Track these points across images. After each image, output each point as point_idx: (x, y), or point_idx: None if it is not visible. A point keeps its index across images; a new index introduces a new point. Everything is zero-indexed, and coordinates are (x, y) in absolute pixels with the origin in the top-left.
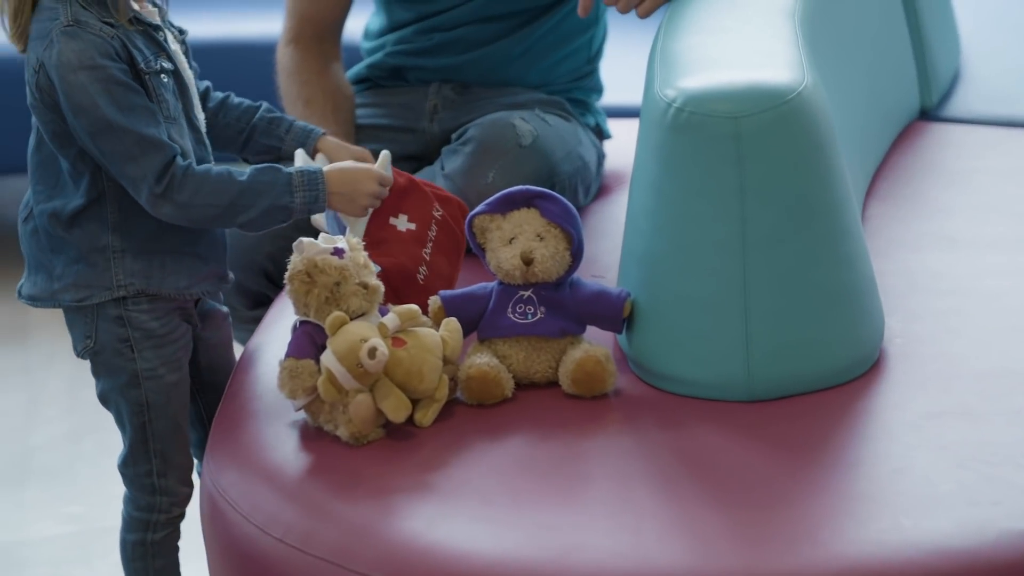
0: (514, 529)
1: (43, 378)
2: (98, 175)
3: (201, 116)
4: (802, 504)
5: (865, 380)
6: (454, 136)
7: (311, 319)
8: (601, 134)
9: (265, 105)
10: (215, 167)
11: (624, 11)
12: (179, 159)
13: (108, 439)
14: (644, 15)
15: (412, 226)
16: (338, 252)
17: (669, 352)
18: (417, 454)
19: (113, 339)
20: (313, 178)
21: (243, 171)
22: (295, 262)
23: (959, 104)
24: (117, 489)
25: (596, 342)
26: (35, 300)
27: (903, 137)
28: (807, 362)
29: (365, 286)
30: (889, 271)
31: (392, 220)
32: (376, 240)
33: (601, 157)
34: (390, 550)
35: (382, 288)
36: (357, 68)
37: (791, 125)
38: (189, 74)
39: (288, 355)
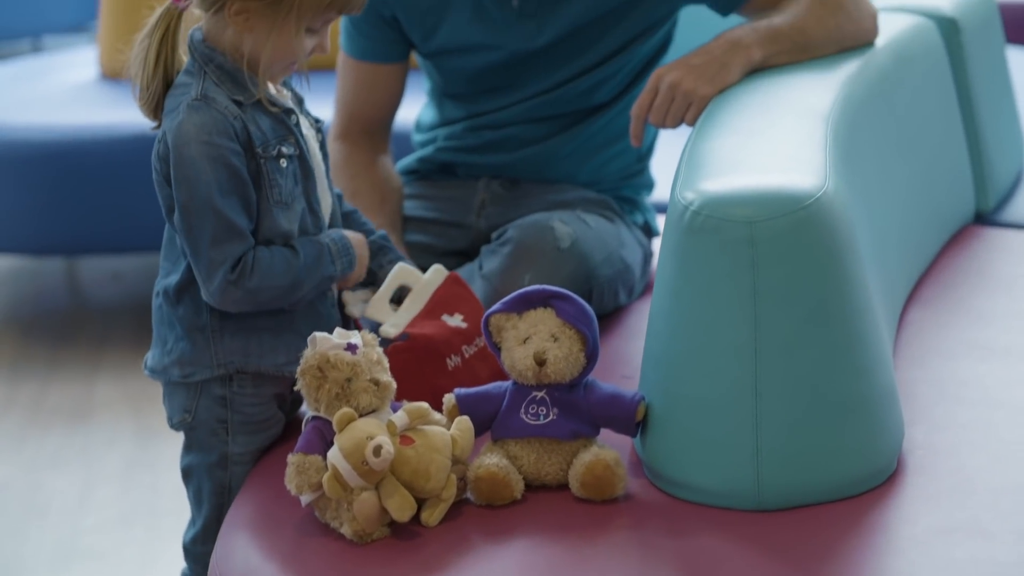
0: None
1: (101, 459)
2: None
3: (327, 201)
4: None
5: (878, 492)
6: (494, 236)
7: (322, 414)
8: (650, 231)
9: (383, 232)
10: (274, 248)
11: (674, 127)
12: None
13: (159, 523)
14: (692, 123)
15: (463, 325)
16: (351, 348)
17: (680, 457)
18: (421, 554)
19: (211, 418)
20: (344, 244)
21: (289, 248)
22: (308, 357)
23: (1018, 209)
24: (163, 573)
25: (612, 445)
26: (153, 372)
27: (954, 241)
28: (818, 472)
29: (376, 383)
30: (919, 379)
31: (445, 316)
32: (421, 327)
33: (648, 256)
34: None
35: (394, 385)
36: (407, 160)
37: (807, 231)
38: (318, 160)
39: (297, 450)
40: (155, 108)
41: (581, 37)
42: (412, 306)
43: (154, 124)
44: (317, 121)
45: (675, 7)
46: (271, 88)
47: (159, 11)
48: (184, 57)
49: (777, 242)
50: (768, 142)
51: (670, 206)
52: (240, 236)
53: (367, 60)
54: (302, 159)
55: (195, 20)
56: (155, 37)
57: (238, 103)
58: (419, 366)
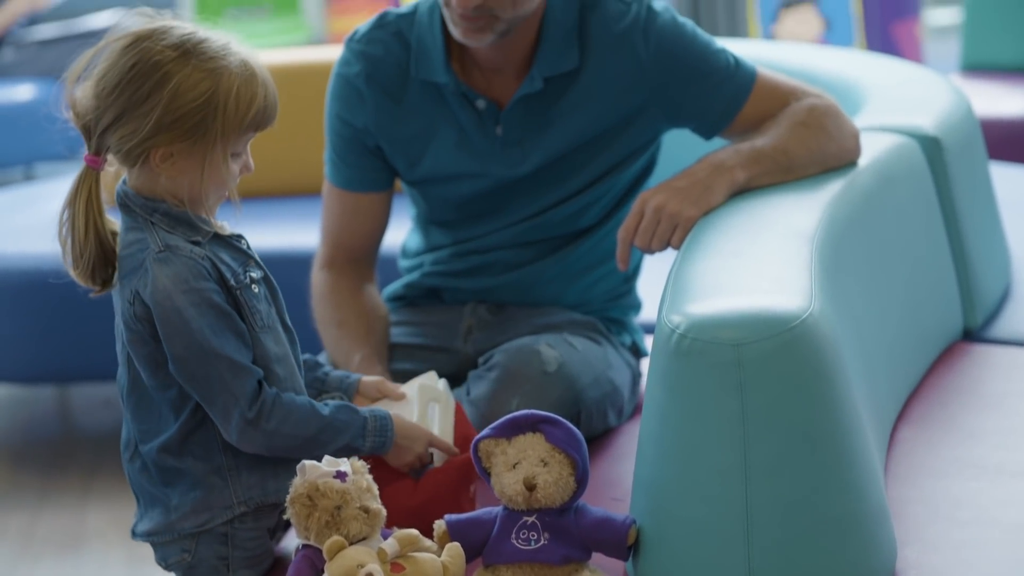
0: None
1: None
2: None
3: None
4: None
5: None
6: (480, 360)
7: (312, 543)
8: (638, 352)
9: (308, 355)
10: (299, 397)
11: (660, 250)
12: (266, 385)
13: None
14: (678, 246)
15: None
16: (340, 476)
17: None
18: None
19: (213, 556)
20: (384, 424)
21: (324, 404)
22: (297, 485)
23: (1006, 325)
24: None
25: (604, 569)
26: (152, 535)
27: (943, 359)
28: None
29: (366, 510)
30: (911, 498)
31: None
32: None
33: (636, 376)
34: None
35: (384, 513)
36: (394, 286)
37: (794, 353)
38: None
39: None
40: (92, 274)
41: (566, 164)
42: (445, 420)
43: (94, 289)
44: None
45: (659, 132)
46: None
47: (76, 177)
48: (110, 219)
49: (764, 364)
50: (753, 264)
51: (657, 329)
52: (246, 371)
53: (352, 190)
54: (267, 279)
55: (110, 178)
56: (79, 204)
57: (198, 244)
58: (458, 484)
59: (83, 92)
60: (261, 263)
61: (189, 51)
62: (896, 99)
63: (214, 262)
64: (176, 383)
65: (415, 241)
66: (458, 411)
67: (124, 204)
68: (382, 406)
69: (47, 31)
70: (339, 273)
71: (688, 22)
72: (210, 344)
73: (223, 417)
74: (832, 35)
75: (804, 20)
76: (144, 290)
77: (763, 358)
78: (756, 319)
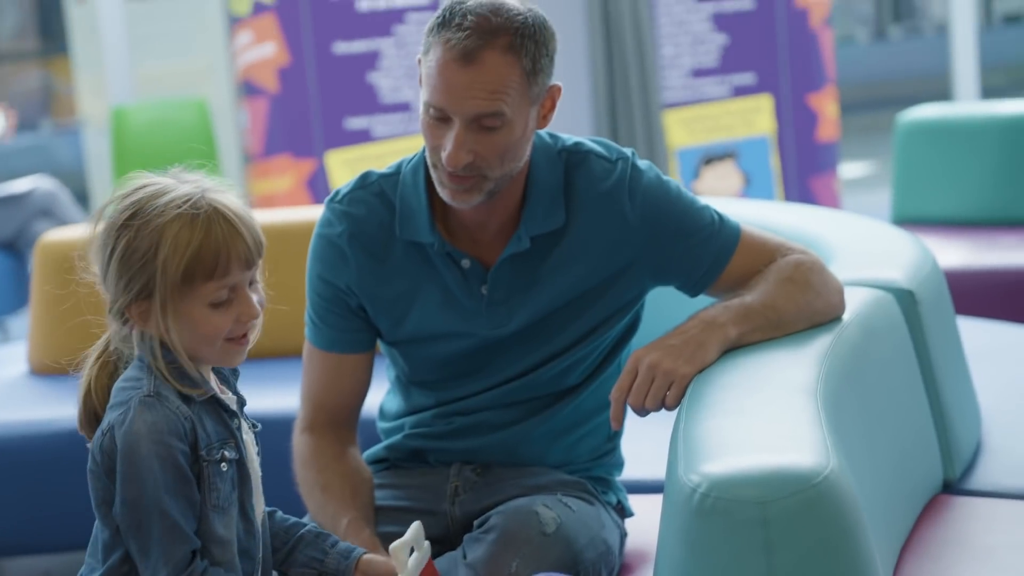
0: None
1: None
2: None
3: (260, 508)
4: None
5: None
6: (476, 523)
7: None
8: (623, 511)
9: (314, 524)
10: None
11: (655, 409)
12: (198, 558)
13: None
14: (674, 404)
15: None
16: None
17: None
18: None
19: None
20: None
21: None
22: None
23: (982, 477)
24: None
25: None
26: None
27: (928, 512)
28: None
29: None
30: None
31: None
32: None
33: (623, 536)
34: None
35: None
36: (375, 449)
37: (819, 509)
38: (255, 465)
39: None
40: (80, 424)
41: (552, 322)
42: (415, 569)
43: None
44: (254, 425)
45: (644, 290)
46: (214, 385)
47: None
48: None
49: (790, 522)
50: (763, 420)
51: (671, 490)
52: (185, 538)
53: (334, 351)
54: (240, 464)
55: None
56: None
57: (187, 400)
58: None
59: None
60: (243, 448)
61: (138, 210)
62: (863, 253)
63: (195, 425)
64: (114, 525)
65: (395, 403)
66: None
67: (139, 345)
68: None
69: None
70: (321, 436)
71: (671, 180)
72: (162, 501)
73: (150, 574)
74: (752, 190)
75: (724, 175)
76: (119, 427)
77: (789, 516)
78: (779, 476)
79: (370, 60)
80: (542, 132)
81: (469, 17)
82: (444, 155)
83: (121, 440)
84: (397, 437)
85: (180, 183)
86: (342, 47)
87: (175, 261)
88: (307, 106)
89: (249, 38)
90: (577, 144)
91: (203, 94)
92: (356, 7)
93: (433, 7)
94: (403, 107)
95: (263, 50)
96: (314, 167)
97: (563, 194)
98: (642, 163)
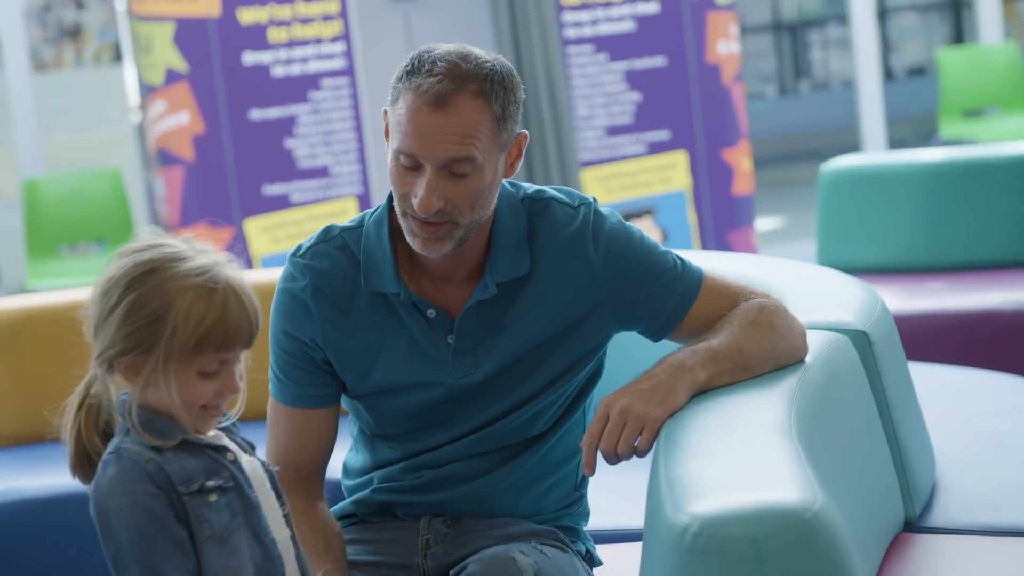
0: None
1: None
2: None
3: (282, 533)
4: None
5: None
6: (452, 573)
7: None
8: (592, 560)
9: None
10: None
11: (625, 454)
12: None
13: None
14: (646, 448)
15: None
16: None
17: None
18: None
19: None
20: None
21: None
22: None
23: (940, 515)
24: None
25: None
26: None
27: (893, 550)
28: None
29: None
30: None
31: None
32: None
33: None
34: None
35: None
36: (342, 505)
37: (811, 544)
38: (265, 492)
39: None
40: (72, 468)
41: (517, 370)
42: None
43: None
44: (265, 465)
45: (608, 335)
46: (190, 433)
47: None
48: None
49: (783, 558)
50: (743, 460)
51: (657, 532)
52: None
53: (299, 407)
54: (240, 491)
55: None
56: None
57: (156, 449)
58: None
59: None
60: (240, 476)
61: (155, 269)
62: (814, 297)
63: (162, 465)
64: None
65: (359, 459)
66: None
67: (118, 406)
68: None
69: None
70: (288, 492)
71: (634, 226)
72: (137, 550)
73: None
74: (671, 245)
75: (643, 230)
76: (92, 494)
77: (782, 553)
78: (770, 513)
79: (286, 126)
80: (504, 181)
81: (439, 63)
82: (415, 202)
83: (92, 503)
84: (365, 492)
85: (194, 251)
86: (257, 114)
87: (188, 329)
88: (224, 174)
89: (163, 107)
90: (539, 191)
91: (115, 165)
92: (271, 73)
93: (348, 72)
94: (320, 172)
95: (178, 119)
96: (232, 235)
97: (527, 241)
98: (604, 209)
